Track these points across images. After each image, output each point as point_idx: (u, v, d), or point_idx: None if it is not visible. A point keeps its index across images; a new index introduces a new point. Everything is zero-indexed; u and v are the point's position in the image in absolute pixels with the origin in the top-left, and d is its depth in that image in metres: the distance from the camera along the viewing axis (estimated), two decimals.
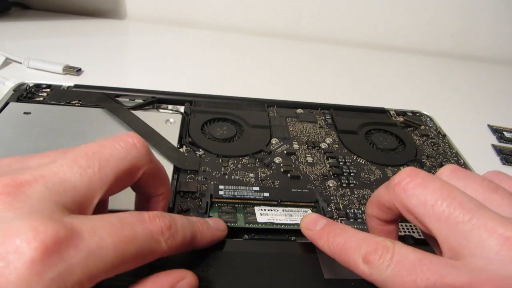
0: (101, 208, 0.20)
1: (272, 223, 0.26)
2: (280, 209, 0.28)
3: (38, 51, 0.48)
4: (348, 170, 0.33)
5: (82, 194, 0.16)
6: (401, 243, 0.18)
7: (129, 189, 0.21)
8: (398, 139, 0.39)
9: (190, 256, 0.23)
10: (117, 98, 0.37)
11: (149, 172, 0.20)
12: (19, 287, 0.13)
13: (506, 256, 0.16)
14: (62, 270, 0.14)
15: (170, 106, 0.39)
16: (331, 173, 0.33)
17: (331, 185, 0.31)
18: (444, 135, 0.41)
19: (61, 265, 0.14)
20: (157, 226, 0.18)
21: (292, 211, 0.28)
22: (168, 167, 0.30)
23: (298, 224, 0.26)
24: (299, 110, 0.41)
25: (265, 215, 0.27)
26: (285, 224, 0.26)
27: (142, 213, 0.18)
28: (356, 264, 0.19)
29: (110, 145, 0.18)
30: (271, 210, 0.28)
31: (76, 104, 0.36)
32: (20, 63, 0.44)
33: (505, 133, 0.46)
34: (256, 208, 0.27)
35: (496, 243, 0.16)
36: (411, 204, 0.19)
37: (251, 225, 0.26)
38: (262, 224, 0.26)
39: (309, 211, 0.28)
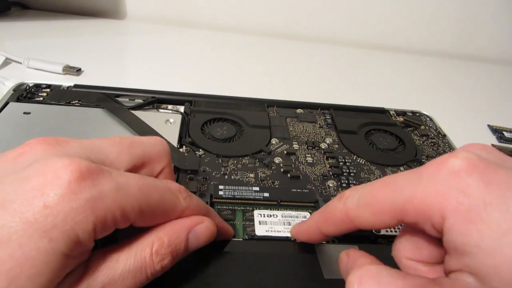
0: None
1: (270, 237, 0.26)
2: (279, 213, 0.28)
3: (38, 51, 0.48)
4: (348, 170, 0.33)
5: (111, 160, 0.18)
6: None
7: None
8: (398, 139, 0.39)
9: (190, 256, 0.23)
10: (117, 98, 0.37)
11: (167, 172, 0.21)
12: (58, 204, 0.15)
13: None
14: (95, 194, 0.16)
15: (170, 106, 0.39)
16: (331, 173, 0.33)
17: (331, 185, 0.31)
18: (444, 135, 0.41)
19: (94, 189, 0.16)
20: (175, 186, 0.20)
21: (291, 216, 0.28)
22: None
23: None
24: (299, 110, 0.41)
25: (264, 224, 0.27)
26: (284, 238, 0.26)
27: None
28: (335, 207, 0.19)
29: (142, 136, 0.21)
30: (270, 216, 0.27)
31: (76, 104, 0.36)
32: (20, 63, 0.44)
33: (505, 133, 0.46)
34: (256, 213, 0.27)
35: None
36: None
37: (249, 238, 0.26)
38: (260, 237, 0.26)
39: (308, 215, 0.28)
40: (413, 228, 0.18)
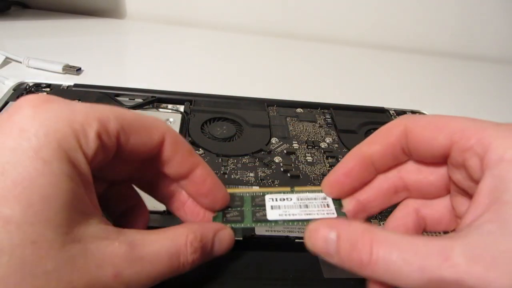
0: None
1: (284, 221, 0.21)
2: (294, 197, 0.23)
3: (38, 50, 0.48)
4: None
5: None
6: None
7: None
8: None
9: None
10: (116, 98, 0.37)
11: (174, 140, 0.20)
12: (32, 125, 0.15)
13: None
14: (66, 111, 0.16)
15: (170, 106, 0.39)
16: None
17: None
18: None
19: (64, 107, 0.16)
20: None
21: (308, 199, 0.23)
22: None
23: (297, 238, 0.24)
24: (299, 110, 0.41)
25: (276, 209, 0.22)
26: (300, 221, 0.21)
27: None
28: (390, 123, 0.21)
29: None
30: (284, 200, 0.23)
31: None
32: (20, 62, 0.44)
33: None
34: (267, 198, 0.23)
35: None
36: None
37: (259, 224, 0.21)
38: (273, 223, 0.21)
39: (329, 199, 0.22)
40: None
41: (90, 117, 0.16)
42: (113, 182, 0.21)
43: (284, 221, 0.21)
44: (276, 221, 0.21)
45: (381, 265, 0.15)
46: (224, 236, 0.21)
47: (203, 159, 0.31)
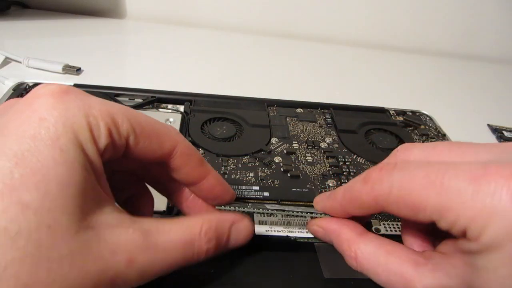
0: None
1: (271, 237, 0.25)
2: (279, 213, 0.26)
3: (38, 50, 0.48)
4: (347, 170, 0.33)
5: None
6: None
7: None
8: (398, 139, 0.39)
9: None
10: (116, 98, 0.37)
11: (186, 151, 0.20)
12: (51, 114, 0.15)
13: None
14: (82, 103, 0.17)
15: (169, 106, 0.39)
16: (331, 173, 0.33)
17: (331, 184, 0.31)
18: (444, 135, 0.41)
19: (80, 100, 0.17)
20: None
21: (292, 216, 0.26)
22: None
23: (297, 238, 0.25)
24: (299, 110, 0.41)
25: (264, 224, 0.26)
26: (283, 237, 0.25)
27: None
28: (360, 190, 0.19)
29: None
30: (270, 216, 0.27)
31: None
32: (20, 62, 0.44)
33: (504, 132, 0.46)
34: (255, 213, 0.27)
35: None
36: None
37: (259, 208, 0.25)
38: (272, 205, 0.25)
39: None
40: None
41: (104, 113, 0.17)
42: (117, 171, 0.21)
43: (279, 209, 0.24)
44: (274, 208, 0.25)
45: (365, 274, 0.19)
46: (241, 227, 0.21)
47: (204, 158, 0.31)
